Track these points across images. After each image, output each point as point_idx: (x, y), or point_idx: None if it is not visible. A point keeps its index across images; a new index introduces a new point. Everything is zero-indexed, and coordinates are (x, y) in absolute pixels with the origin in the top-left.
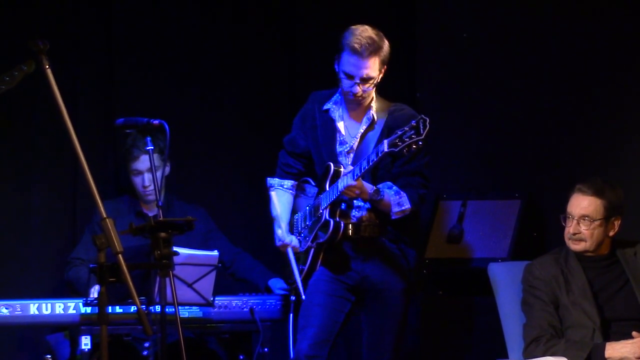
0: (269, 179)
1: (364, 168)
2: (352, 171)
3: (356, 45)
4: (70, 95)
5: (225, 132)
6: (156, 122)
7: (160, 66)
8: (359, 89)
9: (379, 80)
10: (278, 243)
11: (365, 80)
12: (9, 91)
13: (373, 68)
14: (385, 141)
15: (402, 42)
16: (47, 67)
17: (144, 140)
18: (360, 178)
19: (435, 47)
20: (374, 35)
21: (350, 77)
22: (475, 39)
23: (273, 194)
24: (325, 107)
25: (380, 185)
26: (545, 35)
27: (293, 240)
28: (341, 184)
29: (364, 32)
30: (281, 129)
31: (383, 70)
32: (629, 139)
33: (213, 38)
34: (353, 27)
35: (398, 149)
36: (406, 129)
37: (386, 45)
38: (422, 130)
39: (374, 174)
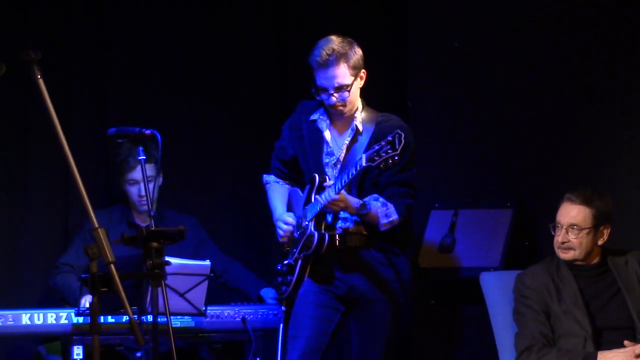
0: (265, 175)
1: (345, 182)
2: (334, 184)
3: (318, 59)
4: (63, 105)
5: (216, 141)
6: (148, 131)
7: (154, 76)
8: (333, 99)
9: (360, 86)
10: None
11: (338, 89)
12: (2, 101)
13: (342, 76)
14: (364, 155)
15: (393, 51)
16: (39, 76)
17: (137, 150)
18: (343, 192)
19: (426, 56)
20: (335, 45)
21: (323, 89)
22: (467, 48)
23: (269, 188)
24: (312, 117)
25: (366, 198)
26: (537, 45)
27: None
28: (324, 197)
29: (325, 44)
30: (273, 139)
31: (361, 76)
32: (620, 148)
33: (206, 48)
34: (319, 41)
35: (375, 163)
36: (383, 143)
37: (354, 50)
38: (397, 146)
39: (361, 186)
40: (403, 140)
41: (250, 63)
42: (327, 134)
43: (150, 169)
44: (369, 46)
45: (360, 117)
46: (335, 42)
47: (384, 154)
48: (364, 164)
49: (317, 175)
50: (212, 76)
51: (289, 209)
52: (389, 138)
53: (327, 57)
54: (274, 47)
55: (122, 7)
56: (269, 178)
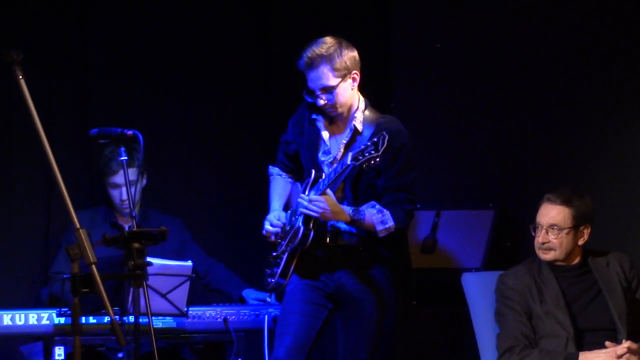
0: (270, 166)
1: (331, 178)
2: (322, 181)
3: (302, 62)
4: (45, 106)
5: (200, 142)
6: (130, 132)
7: (136, 76)
8: (321, 101)
9: (352, 87)
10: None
11: (324, 90)
12: None
13: (326, 78)
14: (350, 153)
15: (376, 52)
16: (21, 77)
17: (119, 151)
18: (332, 195)
19: (409, 57)
20: (318, 48)
21: (311, 91)
22: (449, 49)
23: (271, 180)
24: (314, 115)
25: (362, 206)
26: (519, 47)
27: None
28: (306, 199)
29: (309, 48)
30: (257, 139)
31: (353, 77)
32: (601, 150)
33: (188, 48)
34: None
35: (359, 162)
36: (369, 143)
37: (340, 52)
38: (380, 147)
39: (356, 187)
40: (386, 143)
41: (233, 63)
42: (325, 133)
43: (132, 173)
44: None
45: (360, 117)
46: (321, 44)
47: (367, 154)
48: (348, 162)
49: (313, 171)
50: (196, 76)
51: (289, 203)
52: (375, 139)
53: (308, 60)
54: (257, 46)
55: (103, 7)
56: (273, 170)
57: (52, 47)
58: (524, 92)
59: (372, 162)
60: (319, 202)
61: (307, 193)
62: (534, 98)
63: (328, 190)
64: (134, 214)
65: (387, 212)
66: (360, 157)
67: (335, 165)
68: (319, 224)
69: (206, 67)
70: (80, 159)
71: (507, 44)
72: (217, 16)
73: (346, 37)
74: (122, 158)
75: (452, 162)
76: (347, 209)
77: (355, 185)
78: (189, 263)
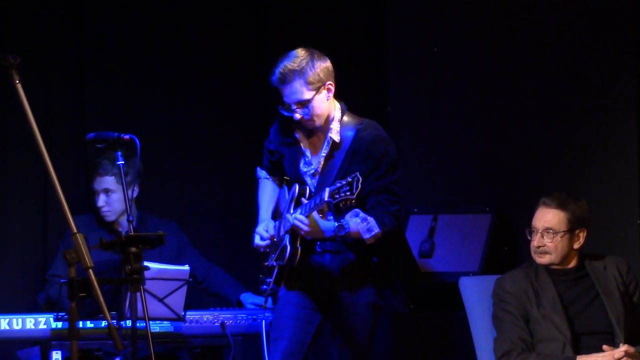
0: (258, 169)
1: (311, 208)
2: (302, 207)
3: (274, 78)
4: (42, 110)
5: (197, 146)
6: (127, 136)
7: (133, 81)
8: (297, 115)
9: (327, 99)
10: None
11: (299, 105)
12: None
13: (299, 92)
14: (327, 189)
15: (372, 56)
16: (18, 81)
17: (112, 156)
18: (317, 216)
19: (406, 61)
20: (289, 62)
21: (287, 106)
22: (446, 53)
23: (259, 183)
24: (293, 125)
25: (346, 216)
26: (515, 51)
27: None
28: (292, 217)
29: (281, 62)
30: (252, 144)
31: (328, 88)
32: (598, 154)
33: (185, 52)
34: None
35: (335, 201)
36: (344, 182)
37: (312, 64)
38: (354, 190)
39: None
40: (360, 185)
41: (230, 68)
42: (305, 145)
43: (110, 182)
44: (348, 52)
45: (337, 127)
46: (292, 58)
47: (342, 194)
48: (325, 199)
49: (297, 185)
50: (193, 80)
51: (277, 208)
52: (349, 179)
53: (280, 75)
54: (254, 50)
55: (100, 10)
56: (261, 173)
57: (49, 51)
58: (521, 96)
59: (348, 202)
60: (302, 223)
61: (291, 211)
62: (531, 102)
63: (314, 214)
64: (131, 218)
65: (371, 220)
66: (337, 196)
67: (317, 177)
68: (306, 240)
69: (203, 72)
70: (77, 162)
71: (503, 48)
72: (214, 21)
73: (343, 42)
74: (118, 162)
75: (449, 166)
76: (331, 226)
77: None
78: (186, 267)
